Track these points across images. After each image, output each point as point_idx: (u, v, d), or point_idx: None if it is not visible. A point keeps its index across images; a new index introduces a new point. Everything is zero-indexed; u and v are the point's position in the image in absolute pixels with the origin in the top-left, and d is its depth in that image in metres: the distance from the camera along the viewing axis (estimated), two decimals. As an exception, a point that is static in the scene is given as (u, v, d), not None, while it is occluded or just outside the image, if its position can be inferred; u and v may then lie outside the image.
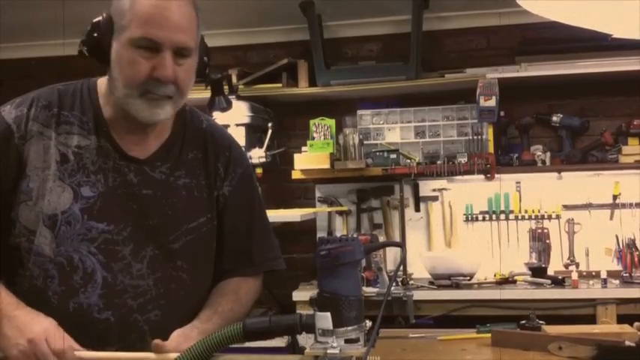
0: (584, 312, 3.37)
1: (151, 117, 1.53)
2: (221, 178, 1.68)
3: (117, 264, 1.53)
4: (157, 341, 1.44)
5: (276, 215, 3.77)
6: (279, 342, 3.34)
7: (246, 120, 3.78)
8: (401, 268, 3.32)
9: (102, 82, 1.62)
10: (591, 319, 3.32)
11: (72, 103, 1.58)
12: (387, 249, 3.94)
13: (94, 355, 1.45)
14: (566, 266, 3.80)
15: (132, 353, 1.48)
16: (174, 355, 1.35)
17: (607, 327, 2.52)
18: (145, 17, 1.47)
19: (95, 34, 1.50)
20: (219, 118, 3.55)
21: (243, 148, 3.64)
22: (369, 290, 3.39)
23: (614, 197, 3.87)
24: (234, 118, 3.70)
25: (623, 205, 3.85)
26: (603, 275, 3.48)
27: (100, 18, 1.51)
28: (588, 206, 3.91)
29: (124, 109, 1.54)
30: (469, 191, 4.04)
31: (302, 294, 3.65)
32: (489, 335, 1.84)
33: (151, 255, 1.56)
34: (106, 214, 1.53)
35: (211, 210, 1.65)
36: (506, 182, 4.00)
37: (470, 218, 4.03)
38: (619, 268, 3.67)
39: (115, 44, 1.50)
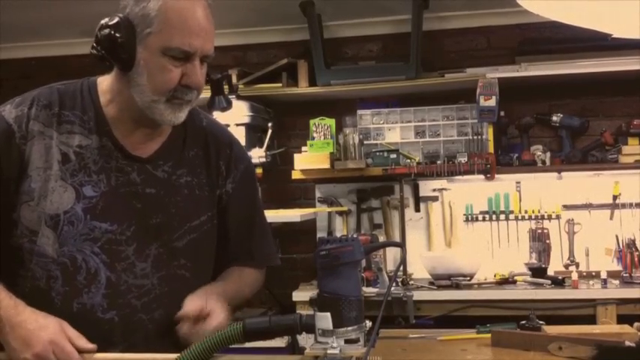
0: (584, 312, 3.37)
1: (175, 120, 1.55)
2: (223, 175, 1.69)
3: (120, 264, 1.53)
4: (180, 315, 1.49)
5: (276, 215, 3.77)
6: (279, 342, 3.34)
7: (246, 120, 3.79)
8: (401, 268, 3.32)
9: (102, 81, 1.62)
10: (591, 320, 3.32)
11: (73, 103, 1.58)
12: (387, 249, 3.94)
13: (101, 357, 1.44)
14: (566, 266, 3.79)
15: (136, 355, 1.48)
16: (175, 355, 1.35)
17: (607, 327, 2.52)
18: (179, 27, 1.47)
19: (115, 38, 1.48)
20: (219, 118, 3.51)
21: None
22: (369, 290, 3.39)
23: (614, 197, 3.87)
24: (234, 118, 3.70)
25: (623, 205, 3.85)
26: (603, 275, 3.48)
27: (116, 20, 1.49)
28: (588, 206, 3.91)
29: (140, 111, 1.53)
30: (469, 191, 4.04)
31: (302, 294, 3.65)
32: (489, 335, 1.84)
33: (155, 254, 1.57)
34: (108, 214, 1.53)
35: (212, 208, 1.66)
36: (506, 182, 4.00)
37: (470, 218, 4.03)
38: (619, 268, 3.67)
39: (142, 50, 1.49)
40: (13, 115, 1.54)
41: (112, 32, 1.48)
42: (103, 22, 1.51)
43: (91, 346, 1.44)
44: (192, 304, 1.51)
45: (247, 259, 1.73)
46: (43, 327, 1.42)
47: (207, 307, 1.50)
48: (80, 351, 1.42)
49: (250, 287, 1.74)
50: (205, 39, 1.51)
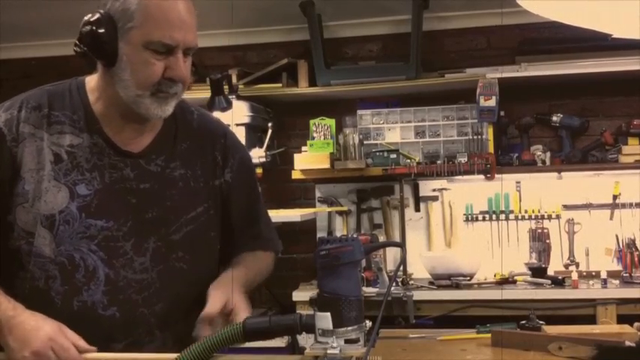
0: (584, 312, 3.37)
1: (161, 114, 1.55)
2: (220, 166, 1.69)
3: (118, 260, 1.53)
4: (205, 315, 1.47)
5: (276, 215, 3.76)
6: (279, 342, 3.34)
7: (246, 120, 3.79)
8: (401, 268, 3.31)
9: (90, 80, 1.62)
10: (591, 320, 3.32)
11: (62, 103, 1.58)
12: (387, 249, 3.94)
13: (101, 356, 1.44)
14: (566, 266, 3.79)
15: (136, 354, 1.48)
16: (174, 355, 1.35)
17: (607, 327, 2.52)
18: (160, 20, 1.47)
19: (96, 34, 1.49)
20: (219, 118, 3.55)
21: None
22: (369, 290, 3.39)
23: (614, 197, 3.87)
24: (234, 118, 3.69)
25: (623, 205, 3.85)
26: (603, 275, 3.48)
27: (97, 16, 1.49)
28: (588, 206, 3.91)
29: (127, 106, 1.54)
30: (469, 191, 4.04)
31: (302, 294, 3.65)
32: (489, 335, 1.84)
33: (154, 247, 1.57)
34: (104, 211, 1.54)
35: (208, 199, 1.66)
36: (506, 182, 3.99)
37: (470, 218, 4.03)
38: (619, 268, 3.67)
39: (124, 45, 1.49)
40: (3, 119, 1.55)
41: (94, 28, 1.49)
42: (85, 18, 1.51)
43: (91, 348, 1.44)
44: (215, 300, 1.50)
45: (255, 244, 1.75)
46: (42, 327, 1.42)
47: (231, 301, 1.50)
48: (79, 351, 1.42)
49: (267, 269, 1.75)
50: (187, 31, 1.50)
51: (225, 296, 1.51)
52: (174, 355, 1.35)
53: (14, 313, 1.44)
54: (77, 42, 1.51)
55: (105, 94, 1.58)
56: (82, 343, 1.43)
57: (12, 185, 1.52)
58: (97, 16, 1.49)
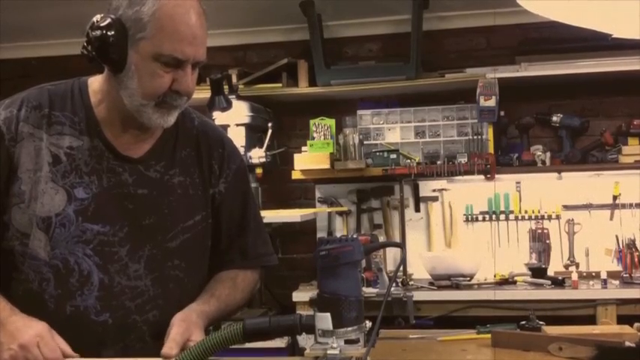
0: (584, 312, 3.37)
1: (163, 124, 1.55)
2: (216, 175, 1.68)
3: (113, 265, 1.53)
4: (165, 352, 1.42)
5: (276, 215, 3.77)
6: (279, 343, 3.34)
7: (246, 120, 3.78)
8: (401, 268, 3.31)
9: (93, 82, 1.60)
10: (591, 320, 3.32)
11: (63, 104, 1.57)
12: (387, 249, 3.94)
13: None
14: (566, 267, 3.79)
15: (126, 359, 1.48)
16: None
17: (607, 327, 2.52)
18: (172, 34, 1.46)
19: (106, 38, 1.46)
20: (219, 118, 3.55)
21: (243, 149, 3.68)
22: (369, 291, 3.39)
23: (614, 197, 3.87)
24: (234, 118, 3.70)
25: (623, 206, 3.85)
26: (603, 276, 3.48)
27: (108, 20, 1.47)
28: (588, 206, 3.91)
29: (129, 112, 1.53)
30: (469, 191, 4.04)
31: (302, 294, 3.64)
32: (489, 336, 1.84)
33: (148, 255, 1.56)
34: (100, 216, 1.53)
35: (206, 208, 1.65)
36: (506, 182, 4.00)
37: (470, 218, 4.03)
38: (619, 268, 3.67)
39: (134, 54, 1.47)
40: (2, 117, 1.53)
41: (104, 33, 1.47)
42: (94, 20, 1.49)
43: (74, 354, 1.43)
44: (174, 337, 1.45)
45: (241, 259, 1.71)
46: (32, 325, 1.43)
47: (190, 341, 1.45)
48: (64, 355, 1.41)
49: (243, 293, 1.71)
50: (198, 46, 1.50)
51: (187, 335, 1.46)
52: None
53: (9, 313, 1.45)
54: (85, 45, 1.49)
55: (108, 98, 1.56)
56: (67, 349, 1.42)
57: (8, 185, 1.51)
58: (108, 20, 1.47)
